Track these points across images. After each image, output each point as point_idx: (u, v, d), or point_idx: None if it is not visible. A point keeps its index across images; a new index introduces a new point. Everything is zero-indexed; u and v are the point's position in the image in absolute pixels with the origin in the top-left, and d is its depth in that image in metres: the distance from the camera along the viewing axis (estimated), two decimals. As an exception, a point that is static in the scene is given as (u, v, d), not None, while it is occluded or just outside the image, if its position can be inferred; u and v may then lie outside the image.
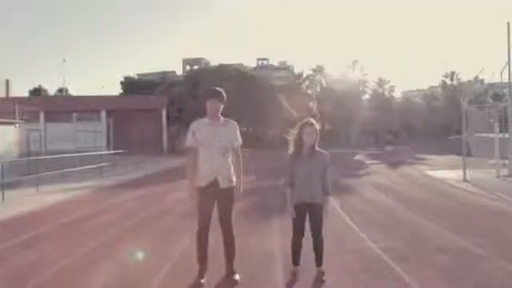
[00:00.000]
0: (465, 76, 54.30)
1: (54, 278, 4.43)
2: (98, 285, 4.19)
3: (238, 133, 4.25)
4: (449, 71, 58.20)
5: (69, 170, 14.74)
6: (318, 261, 4.17)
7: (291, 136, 4.22)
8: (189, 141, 4.14)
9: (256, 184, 12.20)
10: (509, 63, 13.20)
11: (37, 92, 58.76)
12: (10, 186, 11.63)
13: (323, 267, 4.18)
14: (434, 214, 7.57)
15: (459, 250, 5.18)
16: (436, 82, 61.05)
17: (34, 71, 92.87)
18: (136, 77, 62.87)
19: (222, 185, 4.06)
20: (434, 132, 51.23)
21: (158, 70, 66.95)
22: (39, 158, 13.36)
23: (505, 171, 13.42)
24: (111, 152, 21.96)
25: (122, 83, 59.11)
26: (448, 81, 58.79)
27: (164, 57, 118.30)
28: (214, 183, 4.05)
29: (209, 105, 4.11)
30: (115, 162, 19.38)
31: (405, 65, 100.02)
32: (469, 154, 14.32)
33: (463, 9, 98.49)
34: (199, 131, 4.11)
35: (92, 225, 7.26)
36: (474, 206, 8.62)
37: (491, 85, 48.77)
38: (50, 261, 5.02)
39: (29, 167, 13.93)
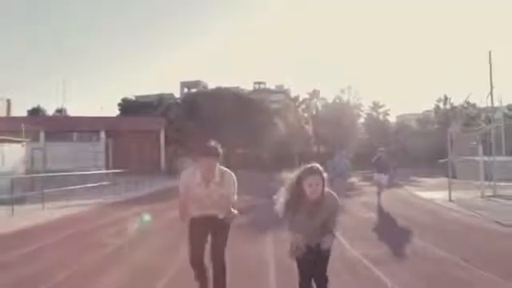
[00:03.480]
0: (458, 100, 55.58)
1: (75, 276, 5.01)
2: (112, 281, 4.77)
3: (234, 187, 3.88)
4: (442, 96, 59.56)
5: (71, 187, 15.28)
6: None
7: (289, 182, 3.41)
8: (183, 189, 3.83)
9: (251, 203, 12.79)
10: (491, 90, 14.06)
11: (35, 112, 59.46)
12: (17, 201, 12.16)
13: None
14: (416, 228, 8.18)
15: (435, 258, 5.79)
16: (430, 106, 62.45)
17: (30, 91, 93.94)
18: (134, 98, 63.75)
19: (216, 218, 3.80)
20: (427, 155, 52.09)
21: (156, 92, 67.98)
22: (44, 175, 13.93)
23: (489, 192, 14.06)
24: (110, 171, 22.56)
25: (119, 104, 59.95)
26: (441, 105, 60.17)
27: (162, 79, 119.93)
28: (207, 216, 3.83)
29: (203, 163, 3.73)
30: (115, 181, 19.92)
31: (400, 89, 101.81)
32: (454, 176, 14.98)
33: (458, 33, 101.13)
34: (191, 188, 3.79)
35: (100, 235, 7.82)
36: (454, 221, 9.25)
37: (483, 109, 50.13)
38: (67, 263, 5.59)
39: (32, 184, 14.50)
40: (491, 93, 14.05)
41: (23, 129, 17.45)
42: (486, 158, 14.83)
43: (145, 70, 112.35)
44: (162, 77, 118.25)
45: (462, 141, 16.65)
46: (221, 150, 3.77)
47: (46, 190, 13.41)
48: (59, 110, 60.06)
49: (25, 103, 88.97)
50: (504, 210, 10.99)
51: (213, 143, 3.78)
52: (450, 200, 13.07)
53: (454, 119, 49.84)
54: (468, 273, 5.01)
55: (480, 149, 14.04)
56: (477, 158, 14.67)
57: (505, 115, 49.84)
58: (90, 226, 8.94)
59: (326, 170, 3.38)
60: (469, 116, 50.40)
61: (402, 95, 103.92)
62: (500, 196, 13.63)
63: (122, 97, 61.23)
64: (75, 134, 27.54)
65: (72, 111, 57.40)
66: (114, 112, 57.75)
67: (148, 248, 6.62)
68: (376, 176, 13.43)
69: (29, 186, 14.23)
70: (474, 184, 15.17)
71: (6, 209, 10.90)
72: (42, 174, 14.08)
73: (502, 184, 15.14)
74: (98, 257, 6.08)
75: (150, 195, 17.54)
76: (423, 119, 62.17)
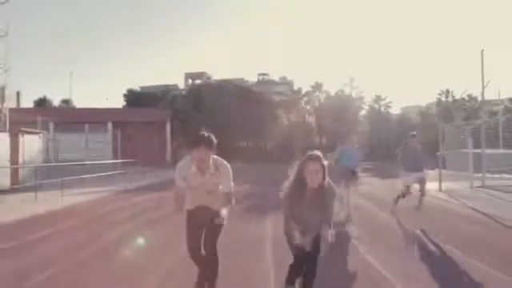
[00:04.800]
0: (459, 93, 56.26)
1: (110, 244, 6.02)
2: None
3: (230, 177, 3.90)
4: (444, 89, 60.18)
5: (85, 176, 16.33)
6: None
7: (291, 173, 3.57)
8: (179, 182, 3.88)
9: (255, 190, 13.76)
10: (483, 90, 14.90)
11: (42, 102, 60.45)
12: (37, 188, 13.18)
13: None
14: (402, 213, 9.12)
15: (412, 236, 6.76)
16: (433, 98, 63.15)
17: (35, 82, 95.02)
18: (139, 89, 64.65)
19: (211, 209, 3.86)
20: (428, 148, 52.82)
21: (161, 83, 68.84)
22: (61, 164, 14.97)
23: (478, 183, 14.98)
24: (119, 161, 23.62)
25: (125, 95, 60.91)
26: (443, 98, 60.83)
27: (166, 70, 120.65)
28: (203, 207, 3.93)
29: (196, 153, 3.72)
30: (124, 170, 20.98)
31: (405, 81, 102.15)
32: (445, 168, 15.89)
33: (463, 24, 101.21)
34: (186, 179, 3.84)
35: (120, 216, 8.85)
36: (436, 207, 10.22)
37: (485, 101, 50.67)
38: (99, 237, 6.62)
39: (48, 173, 15.53)
40: (483, 93, 14.86)
41: (38, 120, 18.49)
42: (477, 151, 15.73)
43: (149, 61, 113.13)
44: (166, 68, 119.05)
45: (454, 135, 17.56)
46: (214, 140, 3.74)
47: (61, 179, 14.43)
48: (65, 101, 61.09)
49: (28, 93, 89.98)
50: (485, 198, 11.94)
51: (205, 133, 3.75)
52: (440, 190, 14.00)
53: (455, 112, 50.76)
54: (431, 243, 6.02)
55: (469, 142, 14.92)
56: (466, 151, 15.57)
57: (506, 108, 50.64)
58: (112, 209, 10.04)
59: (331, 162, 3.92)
60: (471, 109, 51.20)
61: (407, 87, 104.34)
62: (487, 187, 14.52)
63: (126, 87, 62.05)
64: (87, 126, 28.46)
65: (77, 102, 58.41)
66: (120, 103, 58.79)
67: (165, 225, 7.62)
68: (404, 175, 9.30)
69: (46, 175, 15.25)
70: (464, 175, 16.11)
71: (29, 195, 11.96)
72: (60, 164, 15.10)
73: (492, 176, 16.06)
74: (123, 231, 7.11)
75: (158, 184, 18.53)
76: (425, 112, 62.85)
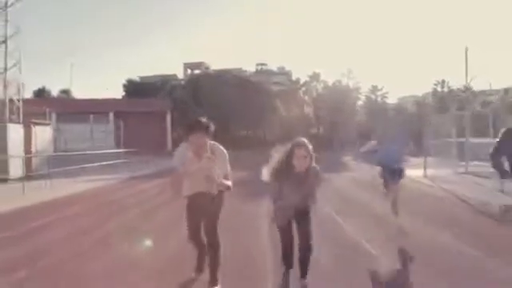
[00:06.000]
0: (455, 84, 57.04)
1: (128, 221, 7.05)
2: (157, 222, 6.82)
3: (226, 160, 4.01)
4: (439, 79, 61.01)
5: (92, 164, 17.31)
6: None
7: (277, 156, 3.81)
8: (176, 167, 4.01)
9: (251, 177, 14.76)
10: (466, 81, 15.88)
11: (41, 93, 60.88)
12: (48, 176, 14.17)
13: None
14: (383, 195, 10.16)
15: (384, 213, 7.78)
16: (429, 88, 63.99)
17: (34, 72, 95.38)
18: (138, 79, 65.16)
19: (209, 194, 3.94)
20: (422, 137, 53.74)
21: (160, 73, 69.39)
22: (69, 153, 15.98)
23: (462, 169, 16.01)
24: (122, 151, 24.58)
25: (124, 86, 61.47)
26: (439, 88, 61.70)
27: (164, 60, 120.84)
28: (201, 193, 3.98)
29: (193, 139, 3.83)
30: (128, 159, 21.97)
31: (402, 71, 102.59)
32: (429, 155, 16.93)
33: (460, 15, 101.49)
34: (184, 164, 3.94)
35: (131, 201, 9.87)
36: (416, 190, 11.28)
37: (481, 92, 51.69)
38: (114, 216, 7.63)
39: (57, 162, 16.48)
40: (467, 86, 15.86)
41: (47, 111, 19.42)
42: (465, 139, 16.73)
43: (147, 51, 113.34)
44: (164, 58, 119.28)
45: (441, 125, 18.61)
46: (211, 126, 3.84)
47: (69, 167, 15.41)
48: (64, 91, 61.63)
49: (27, 84, 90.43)
50: (464, 182, 13.02)
51: (202, 119, 3.85)
52: (425, 176, 15.03)
53: (450, 103, 51.57)
54: (403, 223, 7.05)
55: (453, 131, 15.93)
56: (451, 140, 16.61)
57: (502, 98, 51.46)
58: (123, 194, 11.07)
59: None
60: (466, 99, 52.04)
61: (404, 77, 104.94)
62: (470, 173, 15.57)
63: (125, 77, 62.53)
64: (91, 116, 29.28)
65: (76, 93, 58.96)
66: (119, 93, 59.38)
67: (172, 207, 8.63)
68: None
69: (55, 163, 16.21)
70: (450, 163, 17.15)
71: (44, 182, 12.95)
72: (70, 153, 16.10)
73: (479, 163, 17.09)
74: (135, 213, 8.13)
75: (161, 171, 19.52)
76: (421, 102, 63.72)
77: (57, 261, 5.03)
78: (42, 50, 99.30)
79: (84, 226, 7.02)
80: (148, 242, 5.84)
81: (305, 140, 3.71)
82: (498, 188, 10.41)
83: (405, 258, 5.29)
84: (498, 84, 58.21)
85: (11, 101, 15.28)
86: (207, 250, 4.02)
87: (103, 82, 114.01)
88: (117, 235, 6.36)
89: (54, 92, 63.73)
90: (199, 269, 4.23)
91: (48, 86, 63.74)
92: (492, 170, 8.37)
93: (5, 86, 14.54)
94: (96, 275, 4.47)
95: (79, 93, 60.53)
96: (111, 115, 37.05)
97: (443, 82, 61.43)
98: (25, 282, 4.31)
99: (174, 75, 73.96)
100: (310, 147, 3.69)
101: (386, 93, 59.09)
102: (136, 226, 6.99)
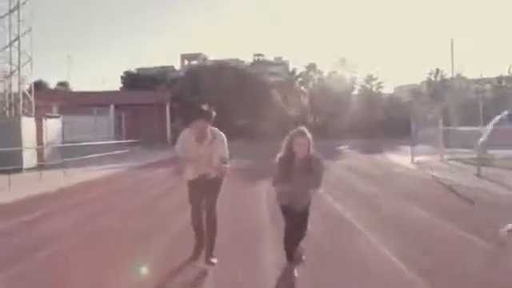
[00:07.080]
0: (448, 73, 57.90)
1: (150, 199, 8.11)
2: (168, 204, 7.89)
3: (225, 145, 4.37)
4: (434, 68, 61.79)
5: (97, 155, 18.18)
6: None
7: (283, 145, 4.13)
8: (180, 151, 4.41)
9: (251, 164, 15.81)
10: (452, 73, 16.83)
11: (38, 85, 60.91)
12: (60, 165, 15.14)
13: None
14: (373, 180, 11.23)
15: (374, 194, 8.86)
16: (424, 78, 64.77)
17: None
18: (135, 71, 65.53)
19: (210, 176, 4.34)
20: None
21: (157, 65, 69.78)
22: (80, 144, 16.94)
23: (448, 156, 17.07)
24: (126, 142, 25.59)
25: (122, 78, 61.86)
26: (433, 77, 62.56)
27: (161, 51, 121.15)
28: (202, 176, 4.37)
29: (196, 125, 4.21)
30: (131, 149, 22.96)
31: (399, 59, 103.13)
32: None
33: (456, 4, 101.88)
34: (186, 148, 4.31)
35: (146, 185, 10.93)
36: (405, 175, 12.35)
37: (477, 80, 52.72)
38: (129, 199, 8.69)
39: (66, 152, 17.39)
40: (452, 77, 16.84)
41: (53, 104, 20.31)
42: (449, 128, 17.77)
43: (144, 43, 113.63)
44: (161, 49, 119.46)
45: (431, 113, 19.65)
46: (212, 113, 4.21)
47: (78, 158, 16.33)
48: (62, 84, 62.01)
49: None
50: (448, 168, 14.08)
51: (204, 106, 4.21)
52: (412, 162, 16.09)
53: (444, 91, 52.48)
54: (382, 200, 8.16)
55: (440, 121, 16.96)
56: (438, 128, 17.62)
57: (495, 87, 52.39)
58: (135, 180, 12.21)
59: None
60: (460, 88, 52.93)
61: (400, 66, 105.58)
62: (457, 159, 16.61)
63: (122, 70, 63.04)
64: (95, 109, 30.08)
65: (73, 85, 59.44)
66: (116, 85, 59.76)
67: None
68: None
69: (64, 154, 17.14)
70: (437, 150, 18.21)
71: (58, 171, 13.92)
72: (78, 144, 17.03)
73: (467, 150, 18.14)
74: (150, 196, 9.17)
75: (164, 160, 20.49)
76: (416, 91, 64.57)
77: (111, 220, 6.91)
78: (38, 43, 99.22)
79: (115, 202, 8.14)
80: (172, 211, 7.09)
81: (304, 129, 4.07)
82: (475, 172, 11.55)
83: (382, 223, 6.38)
84: (493, 72, 58.96)
85: (24, 95, 16.16)
86: (206, 223, 4.43)
87: (100, 75, 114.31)
88: (145, 208, 7.59)
89: (52, 85, 63.96)
90: (198, 249, 4.56)
91: (44, 79, 64.04)
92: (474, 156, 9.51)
93: (19, 83, 15.38)
94: (138, 231, 6.18)
95: (76, 86, 60.94)
96: (112, 107, 37.87)
97: (437, 71, 62.33)
98: (91, 234, 6.07)
99: (172, 67, 74.55)
100: (310, 136, 4.02)
101: (381, 82, 59.86)
102: (157, 202, 8.09)
